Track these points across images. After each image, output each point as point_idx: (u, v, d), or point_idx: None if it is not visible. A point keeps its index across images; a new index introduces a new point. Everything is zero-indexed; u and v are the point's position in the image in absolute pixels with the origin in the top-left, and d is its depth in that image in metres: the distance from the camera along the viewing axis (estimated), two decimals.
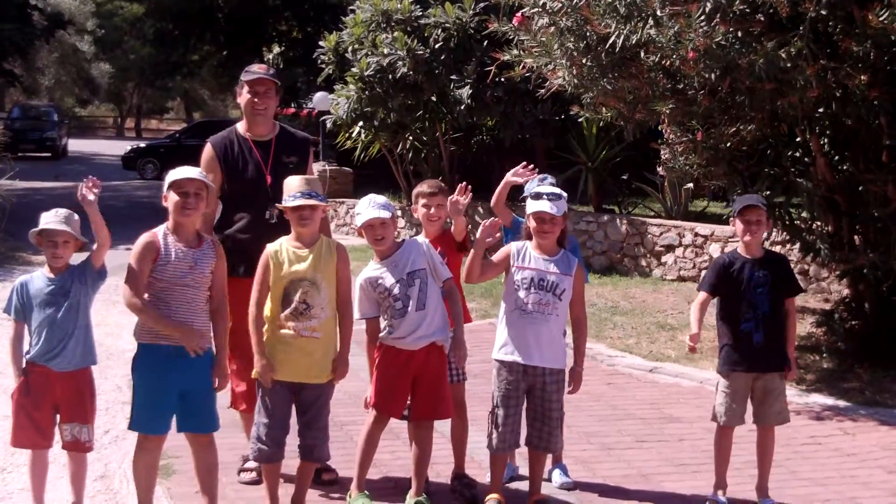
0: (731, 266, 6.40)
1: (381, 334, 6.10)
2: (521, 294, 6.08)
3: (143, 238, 5.62)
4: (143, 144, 39.89)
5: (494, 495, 6.17)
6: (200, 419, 5.78)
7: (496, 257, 6.19)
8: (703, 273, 6.79)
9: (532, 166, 6.63)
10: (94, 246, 5.79)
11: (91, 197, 5.64)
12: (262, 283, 5.85)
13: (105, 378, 8.22)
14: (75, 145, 48.96)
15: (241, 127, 6.86)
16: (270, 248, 5.91)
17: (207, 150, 6.77)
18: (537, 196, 6.08)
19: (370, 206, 6.03)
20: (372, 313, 6.08)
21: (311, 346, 5.83)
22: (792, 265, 13.34)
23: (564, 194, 6.19)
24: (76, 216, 5.86)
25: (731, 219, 6.54)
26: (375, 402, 6.12)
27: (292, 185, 5.89)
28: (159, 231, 5.67)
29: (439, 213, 6.51)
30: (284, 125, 7.08)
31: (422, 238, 6.31)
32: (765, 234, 6.60)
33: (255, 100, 6.71)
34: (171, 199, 5.66)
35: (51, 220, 5.76)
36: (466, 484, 6.52)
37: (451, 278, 6.20)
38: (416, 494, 6.15)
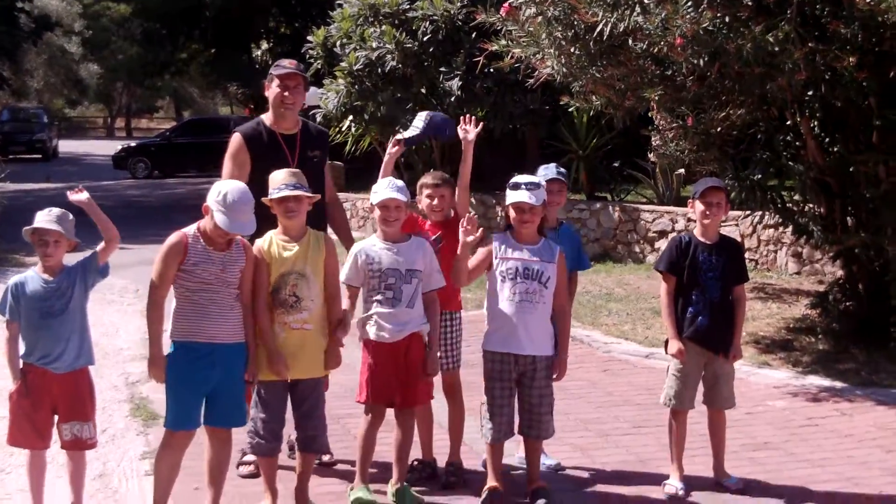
0: (687, 247, 6.45)
1: (365, 326, 6.13)
2: (508, 284, 6.09)
3: (170, 238, 5.65)
4: (133, 144, 39.99)
5: (494, 484, 6.19)
6: (229, 413, 5.79)
7: (479, 255, 6.20)
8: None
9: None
10: (102, 244, 5.81)
11: (83, 197, 5.68)
12: (262, 283, 5.84)
13: (101, 377, 8.21)
14: (66, 146, 48.96)
15: (267, 119, 6.89)
16: (259, 243, 5.90)
17: (236, 139, 6.81)
18: (516, 186, 6.11)
19: (388, 188, 6.11)
20: (355, 283, 6.10)
21: (302, 339, 5.84)
22: (786, 248, 13.55)
23: (543, 183, 6.24)
24: (71, 216, 5.82)
25: (690, 201, 6.57)
26: (367, 397, 6.16)
27: (277, 179, 5.89)
28: (189, 231, 5.67)
29: (442, 205, 6.57)
30: (306, 119, 7.11)
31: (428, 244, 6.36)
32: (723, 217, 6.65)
33: (286, 94, 6.76)
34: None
35: (43, 218, 5.73)
36: (454, 471, 6.59)
37: (439, 290, 6.28)
38: (398, 481, 6.20)
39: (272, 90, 6.80)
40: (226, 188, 5.63)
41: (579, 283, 7.40)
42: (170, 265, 5.59)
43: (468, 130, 6.60)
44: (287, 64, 6.86)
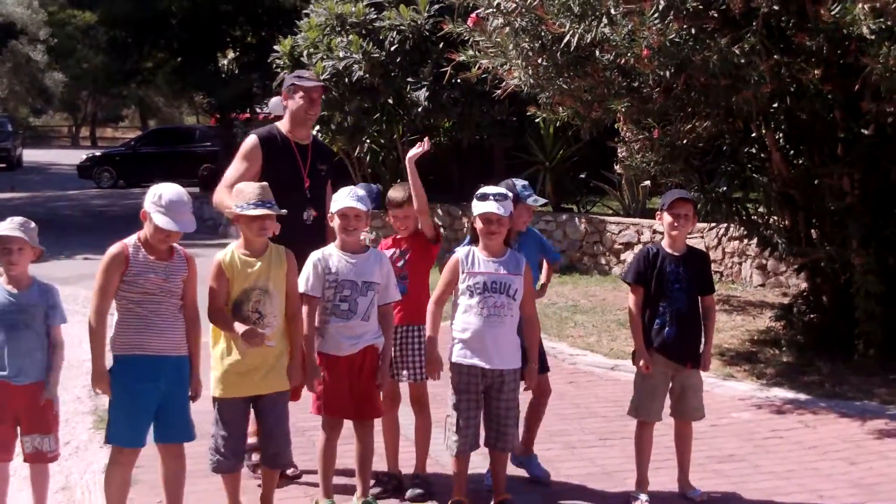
0: (654, 258, 6.46)
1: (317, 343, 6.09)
2: (476, 299, 6.05)
3: (111, 249, 5.55)
4: (98, 153, 39.77)
5: (459, 496, 6.16)
6: (177, 429, 5.69)
7: (446, 275, 6.18)
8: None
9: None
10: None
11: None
12: (219, 291, 5.76)
13: (65, 389, 8.09)
14: (30, 155, 48.65)
15: (282, 127, 6.91)
16: (221, 256, 5.82)
17: (251, 140, 6.82)
18: (483, 197, 6.07)
19: (348, 196, 6.06)
20: (316, 293, 6.04)
21: (264, 355, 5.76)
22: (750, 260, 13.61)
23: (510, 194, 6.22)
24: (33, 224, 5.78)
25: (658, 213, 6.59)
26: (320, 410, 6.14)
27: (249, 193, 5.78)
28: (130, 242, 5.58)
29: (407, 224, 6.57)
30: (315, 135, 7.12)
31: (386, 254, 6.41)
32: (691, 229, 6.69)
33: (310, 107, 6.83)
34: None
35: (5, 227, 5.68)
36: (420, 483, 6.56)
37: (394, 303, 6.27)
38: (363, 495, 6.19)
39: (295, 101, 6.83)
40: (160, 190, 5.53)
41: (546, 294, 7.40)
42: (111, 277, 5.48)
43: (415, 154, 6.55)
44: (309, 76, 6.93)
